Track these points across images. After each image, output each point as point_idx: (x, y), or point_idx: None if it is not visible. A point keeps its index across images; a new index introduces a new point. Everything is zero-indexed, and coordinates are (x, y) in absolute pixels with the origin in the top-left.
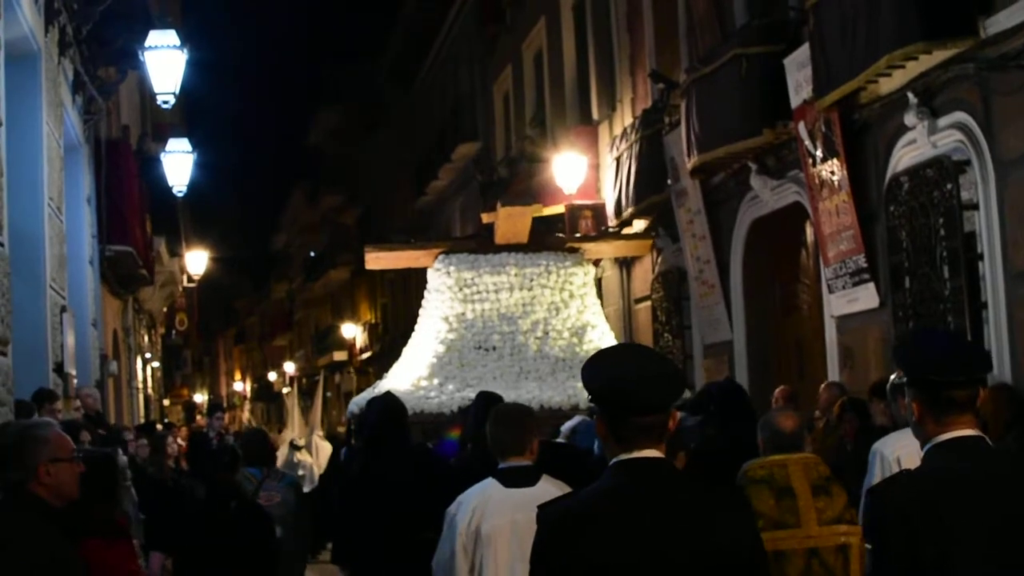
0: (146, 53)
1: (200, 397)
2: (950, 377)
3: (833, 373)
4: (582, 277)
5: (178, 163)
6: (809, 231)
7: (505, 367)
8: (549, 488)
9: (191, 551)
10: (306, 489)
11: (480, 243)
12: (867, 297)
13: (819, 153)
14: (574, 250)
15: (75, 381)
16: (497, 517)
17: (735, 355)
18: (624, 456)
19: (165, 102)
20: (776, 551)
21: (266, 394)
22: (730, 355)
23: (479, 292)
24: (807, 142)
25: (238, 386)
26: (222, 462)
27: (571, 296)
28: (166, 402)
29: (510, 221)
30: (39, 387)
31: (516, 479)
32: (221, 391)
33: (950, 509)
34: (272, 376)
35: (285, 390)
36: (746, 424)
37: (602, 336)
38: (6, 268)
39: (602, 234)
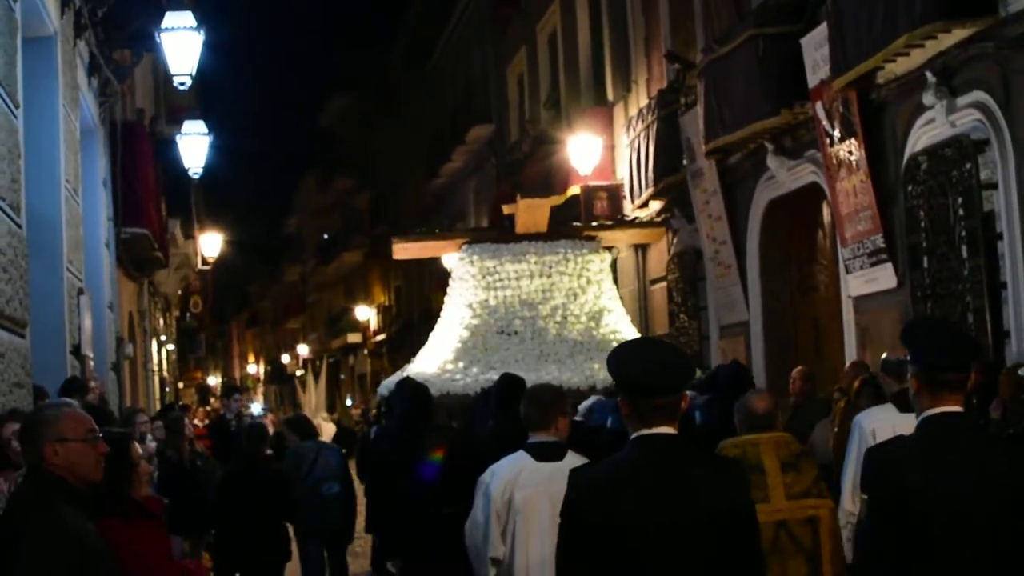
0: (162, 35)
1: (214, 380)
2: (947, 364)
3: (851, 353)
4: (598, 264)
5: (194, 145)
6: (826, 211)
7: (526, 350)
8: (576, 461)
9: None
10: None
11: (501, 233)
12: (885, 277)
13: (837, 133)
14: (591, 238)
15: (92, 364)
16: (530, 487)
17: (751, 336)
18: (644, 431)
19: (182, 84)
20: None
21: (279, 377)
22: (746, 335)
23: (501, 280)
24: (824, 122)
25: (251, 369)
26: (254, 438)
27: (588, 282)
28: (180, 384)
29: (530, 211)
30: (70, 376)
31: (546, 453)
32: (234, 374)
33: (932, 471)
34: (285, 359)
35: (299, 372)
36: None
37: (618, 320)
38: (24, 250)
39: (618, 222)
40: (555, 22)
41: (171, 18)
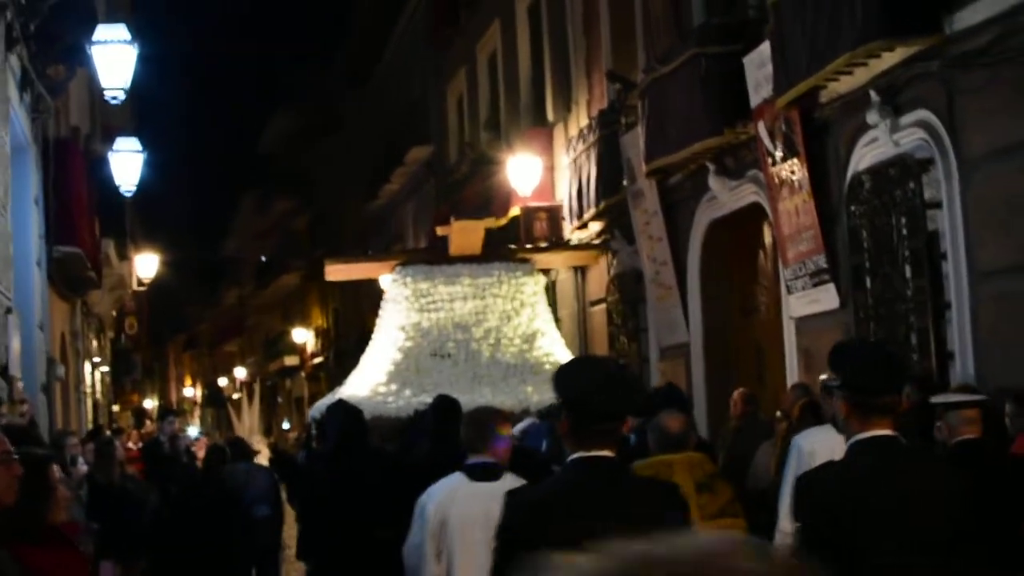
0: (94, 47)
1: (150, 403)
2: (876, 387)
3: (792, 375)
4: (532, 286)
5: (127, 163)
6: (768, 232)
7: (460, 373)
8: (513, 483)
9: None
10: None
11: (435, 255)
12: (827, 298)
13: (779, 153)
14: (525, 260)
15: (20, 385)
16: (465, 507)
17: (692, 357)
18: (582, 453)
19: (114, 98)
20: None
21: (216, 400)
22: (687, 357)
23: (434, 302)
24: (767, 141)
25: (189, 392)
26: (213, 459)
27: (522, 305)
28: (116, 407)
29: (464, 233)
30: None
31: (482, 474)
32: (172, 397)
33: (864, 496)
34: (223, 382)
35: (236, 395)
36: None
37: (552, 343)
38: None
39: (552, 244)
40: (495, 42)
41: (103, 31)
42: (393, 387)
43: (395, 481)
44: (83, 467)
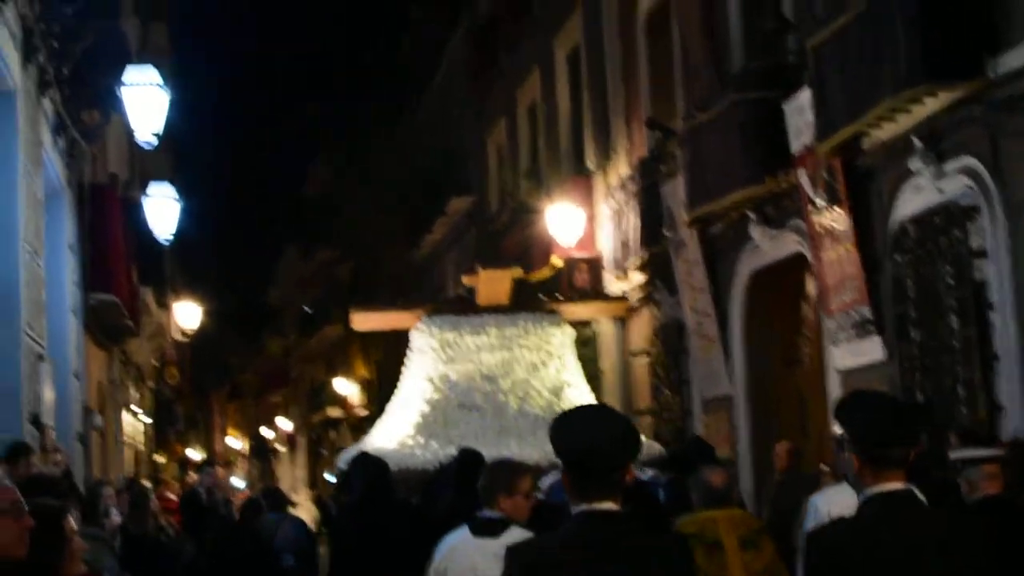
0: (124, 89)
1: (195, 453)
2: (887, 439)
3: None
4: (560, 337)
5: (163, 209)
6: (811, 282)
7: (487, 425)
8: (518, 537)
9: None
10: None
11: (462, 305)
12: (872, 349)
13: (821, 201)
14: (552, 311)
15: (53, 434)
16: (461, 562)
17: (735, 409)
18: (585, 507)
19: (146, 142)
20: None
21: (261, 450)
22: (730, 410)
23: (461, 352)
24: (808, 190)
25: (233, 442)
26: (248, 511)
27: (549, 356)
28: (160, 458)
29: (490, 283)
30: (14, 440)
31: (484, 529)
32: (216, 447)
33: (877, 555)
34: (267, 432)
35: (280, 447)
36: None
37: (580, 395)
38: None
39: (580, 295)
40: (535, 91)
41: (134, 73)
42: (420, 439)
43: (419, 533)
44: (116, 517)
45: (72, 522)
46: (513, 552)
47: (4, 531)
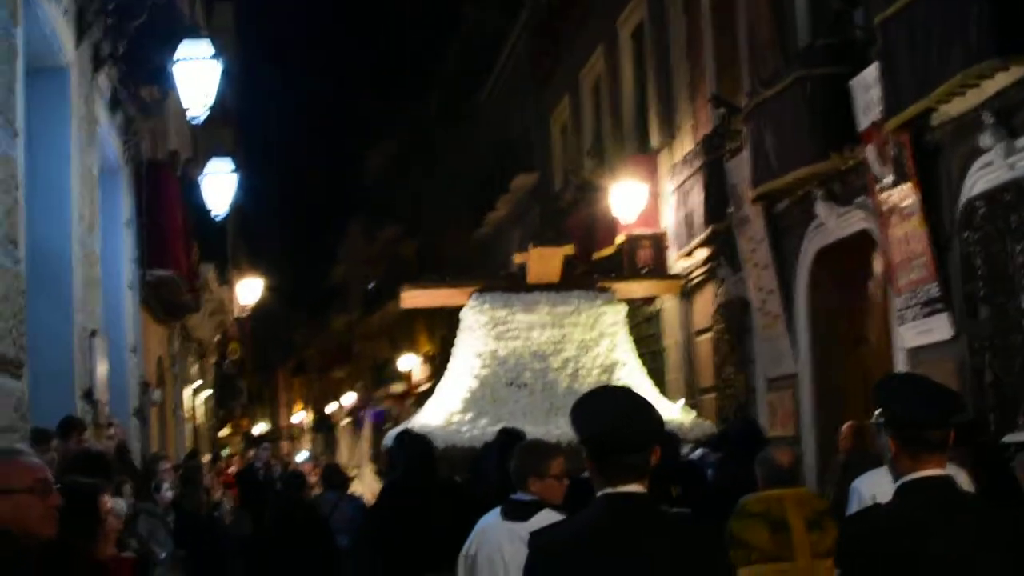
0: (177, 65)
1: (260, 428)
2: (925, 421)
3: None
4: (612, 316)
5: (220, 184)
6: (877, 259)
7: (536, 403)
8: (547, 521)
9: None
10: None
11: (513, 282)
12: (940, 328)
13: (889, 178)
14: (605, 289)
15: (107, 409)
16: (490, 547)
17: (800, 388)
18: (609, 490)
19: (197, 115)
20: None
21: (325, 425)
22: (795, 389)
23: (512, 330)
24: (876, 166)
25: (299, 417)
26: (294, 485)
27: (601, 335)
28: (225, 432)
29: (542, 261)
30: (66, 415)
31: (515, 511)
32: (281, 422)
33: (913, 544)
34: (332, 407)
35: (344, 422)
36: None
37: (632, 374)
38: (21, 286)
39: (632, 274)
40: (599, 69)
41: (187, 47)
42: (468, 416)
43: (461, 514)
44: (167, 493)
45: (108, 502)
46: (534, 537)
47: (30, 509)
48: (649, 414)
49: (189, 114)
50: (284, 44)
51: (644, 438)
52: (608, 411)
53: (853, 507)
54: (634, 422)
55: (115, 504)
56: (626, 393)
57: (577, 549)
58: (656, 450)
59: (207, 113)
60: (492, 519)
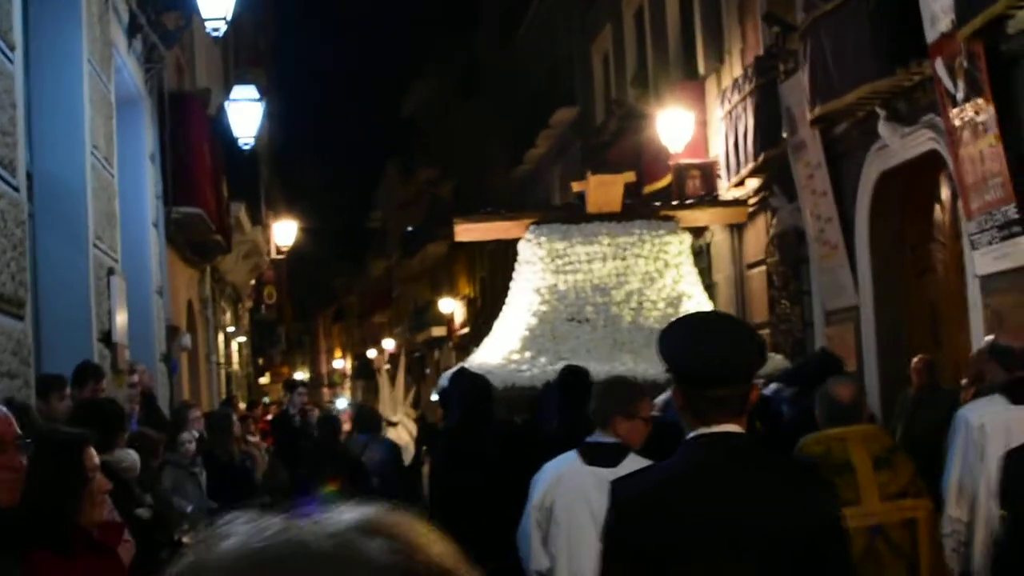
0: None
1: (300, 375)
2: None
3: (978, 339)
4: (677, 246)
5: (245, 112)
6: (944, 182)
7: (599, 339)
8: (634, 467)
9: None
10: None
11: (571, 212)
12: (1018, 252)
13: (960, 93)
14: (668, 218)
15: (127, 353)
16: (571, 494)
17: (861, 322)
18: (703, 430)
19: (215, 28)
20: None
21: (365, 371)
22: (856, 322)
23: (571, 263)
24: (946, 81)
25: (339, 363)
26: (327, 429)
27: (666, 266)
28: (265, 379)
29: (601, 189)
30: (82, 360)
31: (598, 456)
32: (322, 369)
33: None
34: (372, 353)
35: (386, 367)
36: None
37: (698, 306)
38: (20, 216)
39: (698, 201)
40: None
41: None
42: (527, 354)
43: (519, 458)
44: (191, 444)
45: (94, 457)
46: (615, 487)
47: None
48: (752, 343)
49: (208, 30)
50: None
51: (742, 370)
52: (704, 339)
53: (959, 437)
54: (733, 352)
55: (126, 456)
56: (724, 319)
57: (667, 499)
58: (756, 386)
59: (224, 27)
60: (570, 464)
